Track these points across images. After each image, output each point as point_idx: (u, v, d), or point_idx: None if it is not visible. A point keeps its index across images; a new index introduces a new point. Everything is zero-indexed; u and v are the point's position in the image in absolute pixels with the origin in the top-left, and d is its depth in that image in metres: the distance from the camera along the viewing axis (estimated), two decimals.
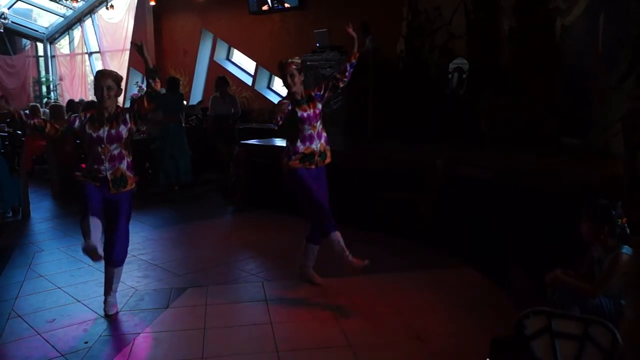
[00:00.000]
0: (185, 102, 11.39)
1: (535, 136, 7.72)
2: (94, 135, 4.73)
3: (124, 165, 4.82)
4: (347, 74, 5.32)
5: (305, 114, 5.15)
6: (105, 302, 4.97)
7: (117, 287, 5.00)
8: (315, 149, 5.20)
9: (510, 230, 5.66)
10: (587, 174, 5.81)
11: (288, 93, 5.26)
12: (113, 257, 4.84)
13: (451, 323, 4.58)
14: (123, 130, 4.78)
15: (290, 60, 5.23)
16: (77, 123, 4.79)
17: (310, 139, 5.18)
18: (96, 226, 4.65)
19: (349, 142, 9.11)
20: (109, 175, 4.75)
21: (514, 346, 3.76)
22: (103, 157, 4.74)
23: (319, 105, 5.25)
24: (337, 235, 5.03)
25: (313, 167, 5.20)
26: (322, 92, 5.30)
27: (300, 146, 5.17)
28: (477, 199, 6.17)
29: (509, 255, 5.42)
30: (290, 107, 5.12)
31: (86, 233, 4.62)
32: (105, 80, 4.74)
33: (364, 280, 5.45)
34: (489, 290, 5.20)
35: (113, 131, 4.75)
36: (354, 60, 5.38)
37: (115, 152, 4.78)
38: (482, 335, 4.05)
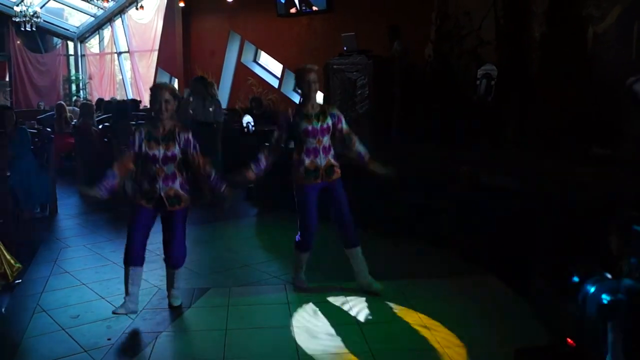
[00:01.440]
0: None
1: (564, 145, 7.62)
2: (150, 153, 4.76)
3: (177, 185, 4.85)
4: (356, 151, 5.25)
5: (309, 127, 5.05)
6: (169, 296, 5.12)
7: (178, 283, 5.14)
8: (320, 164, 5.11)
9: (534, 240, 5.59)
10: (616, 186, 5.72)
11: (301, 102, 5.19)
12: (172, 262, 5.00)
13: (473, 332, 4.52)
14: (177, 151, 4.82)
15: (309, 67, 5.13)
16: (136, 146, 4.80)
17: (315, 152, 5.09)
18: (137, 279, 4.89)
19: (373, 146, 9.05)
20: (163, 194, 4.80)
21: (537, 357, 3.73)
22: (157, 176, 4.79)
23: (329, 122, 5.13)
24: (304, 257, 5.35)
25: (319, 181, 5.13)
26: (336, 121, 5.18)
27: (305, 159, 5.11)
28: (501, 207, 6.10)
29: (532, 265, 5.35)
30: (291, 119, 5.11)
31: (127, 286, 4.86)
32: (163, 93, 4.77)
33: (386, 286, 5.41)
34: (512, 300, 5.14)
35: (169, 153, 4.78)
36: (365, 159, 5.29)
37: (169, 172, 4.82)
38: (504, 345, 4.03)
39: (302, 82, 5.12)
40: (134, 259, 4.82)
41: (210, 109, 9.35)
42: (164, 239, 5.00)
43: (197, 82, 9.72)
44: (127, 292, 4.84)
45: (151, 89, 4.90)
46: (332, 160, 5.18)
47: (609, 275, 3.31)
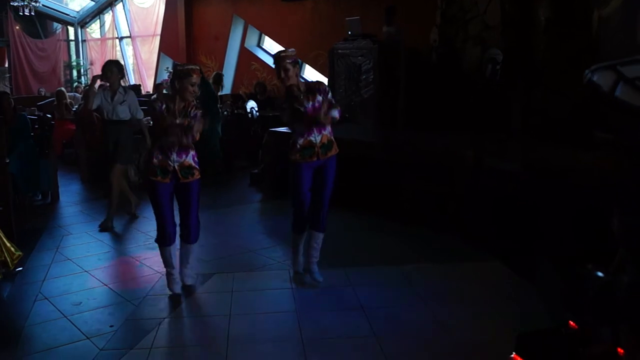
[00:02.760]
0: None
1: (568, 130, 7.57)
2: (175, 122, 4.84)
3: (189, 158, 4.96)
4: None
5: (301, 109, 5.03)
6: (182, 274, 5.19)
7: (191, 261, 5.23)
8: (315, 141, 5.06)
9: (539, 225, 5.56)
10: (619, 170, 5.66)
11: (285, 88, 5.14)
12: (190, 238, 5.12)
13: (476, 316, 4.50)
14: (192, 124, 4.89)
15: (284, 54, 5.08)
16: (158, 106, 4.90)
17: (309, 131, 5.06)
18: (174, 255, 5.12)
19: (378, 132, 9.04)
20: (177, 167, 4.90)
21: (540, 341, 3.70)
22: (172, 148, 4.87)
23: (319, 98, 5.07)
24: (297, 239, 5.32)
25: (315, 159, 5.09)
26: (324, 97, 5.10)
27: (299, 139, 5.07)
28: (506, 192, 6.07)
29: (537, 250, 5.32)
30: (282, 105, 5.14)
31: (169, 265, 5.11)
32: (193, 78, 4.85)
33: (390, 270, 5.41)
34: (516, 285, 5.10)
35: (184, 125, 4.87)
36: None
37: (185, 143, 4.90)
38: (507, 329, 4.00)
39: (279, 70, 5.07)
40: (168, 239, 5.05)
41: (121, 104, 7.05)
42: (180, 216, 5.12)
43: (111, 65, 7.19)
44: (170, 266, 5.10)
45: (180, 72, 4.90)
46: (329, 136, 5.16)
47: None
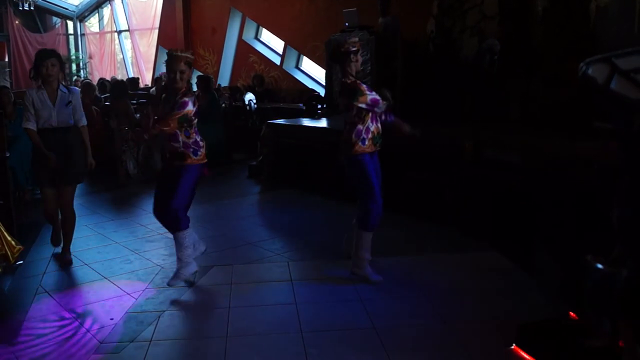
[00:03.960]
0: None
1: (567, 120, 7.58)
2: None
3: (182, 145, 4.91)
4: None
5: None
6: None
7: (182, 255, 5.04)
8: (380, 129, 5.14)
9: (538, 216, 5.57)
10: (618, 161, 5.67)
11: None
12: (165, 225, 5.09)
13: (476, 307, 4.52)
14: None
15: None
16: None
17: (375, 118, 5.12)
18: (191, 239, 5.13)
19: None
20: (168, 154, 4.99)
21: (541, 332, 3.72)
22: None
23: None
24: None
25: (378, 147, 5.15)
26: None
27: (371, 126, 5.05)
28: (505, 183, 6.08)
29: (536, 241, 5.34)
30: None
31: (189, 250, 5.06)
32: (178, 64, 4.83)
33: (390, 262, 5.42)
34: (515, 276, 5.12)
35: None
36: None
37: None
38: (507, 320, 4.02)
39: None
40: (186, 216, 5.05)
41: (67, 106, 5.54)
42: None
43: (50, 56, 5.54)
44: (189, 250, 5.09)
45: (167, 59, 4.90)
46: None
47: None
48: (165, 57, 4.96)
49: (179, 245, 5.00)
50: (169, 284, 4.99)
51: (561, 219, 5.32)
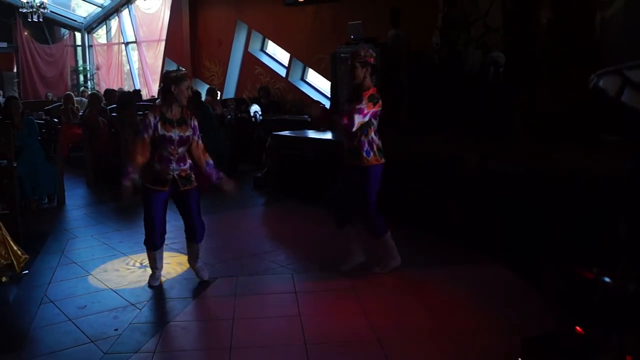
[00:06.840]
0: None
1: (573, 132, 7.57)
2: (167, 135, 5.00)
3: (187, 166, 5.17)
4: None
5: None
6: (197, 270, 5.48)
7: (200, 254, 5.51)
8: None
9: (544, 228, 5.56)
10: (625, 173, 5.65)
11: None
12: (196, 238, 5.37)
13: (481, 321, 4.51)
14: (190, 135, 5.12)
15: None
16: (151, 129, 5.01)
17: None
18: (160, 258, 5.42)
19: (381, 134, 9.02)
20: (176, 176, 5.09)
21: (546, 346, 3.69)
22: (172, 158, 5.05)
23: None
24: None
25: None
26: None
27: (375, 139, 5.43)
28: (510, 195, 6.07)
29: (541, 254, 5.32)
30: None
31: (154, 265, 5.40)
32: (188, 82, 5.06)
33: (394, 275, 5.42)
34: (521, 289, 5.10)
35: (183, 135, 5.07)
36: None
37: (182, 154, 5.11)
38: (513, 333, 4.00)
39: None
40: (157, 244, 5.29)
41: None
42: (183, 219, 5.36)
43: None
44: (155, 268, 5.39)
45: (175, 78, 5.00)
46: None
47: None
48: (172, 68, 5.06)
49: (199, 250, 5.50)
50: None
51: (567, 231, 5.30)
